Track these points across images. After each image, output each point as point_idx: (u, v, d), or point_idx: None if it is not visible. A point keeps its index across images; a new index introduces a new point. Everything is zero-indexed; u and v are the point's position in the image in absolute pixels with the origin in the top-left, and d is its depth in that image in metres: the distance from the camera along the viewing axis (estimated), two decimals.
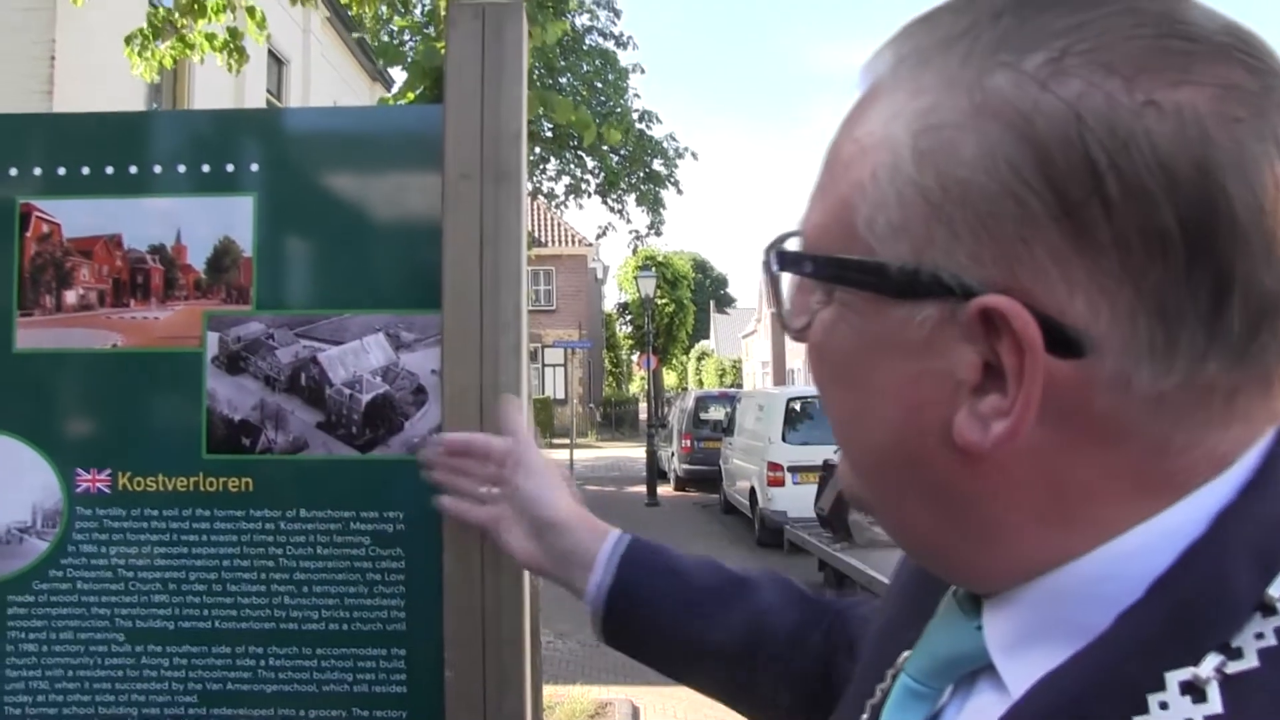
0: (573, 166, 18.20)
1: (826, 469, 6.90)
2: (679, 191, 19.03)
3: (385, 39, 12.28)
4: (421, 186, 1.09)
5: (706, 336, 53.57)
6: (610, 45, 18.32)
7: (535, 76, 14.90)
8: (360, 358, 1.09)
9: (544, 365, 29.81)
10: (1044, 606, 0.43)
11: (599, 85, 17.94)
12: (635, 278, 21.88)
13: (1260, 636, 0.38)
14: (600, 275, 36.54)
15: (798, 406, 10.22)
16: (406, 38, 12.89)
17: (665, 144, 18.41)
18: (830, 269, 0.45)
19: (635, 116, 17.96)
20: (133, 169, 1.11)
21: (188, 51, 5.19)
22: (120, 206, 1.11)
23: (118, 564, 1.08)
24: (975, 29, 0.41)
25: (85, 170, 1.11)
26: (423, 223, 1.08)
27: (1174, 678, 0.38)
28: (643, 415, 26.84)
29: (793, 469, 9.67)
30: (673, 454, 16.50)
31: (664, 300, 32.04)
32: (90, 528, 1.08)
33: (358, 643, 1.07)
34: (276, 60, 11.50)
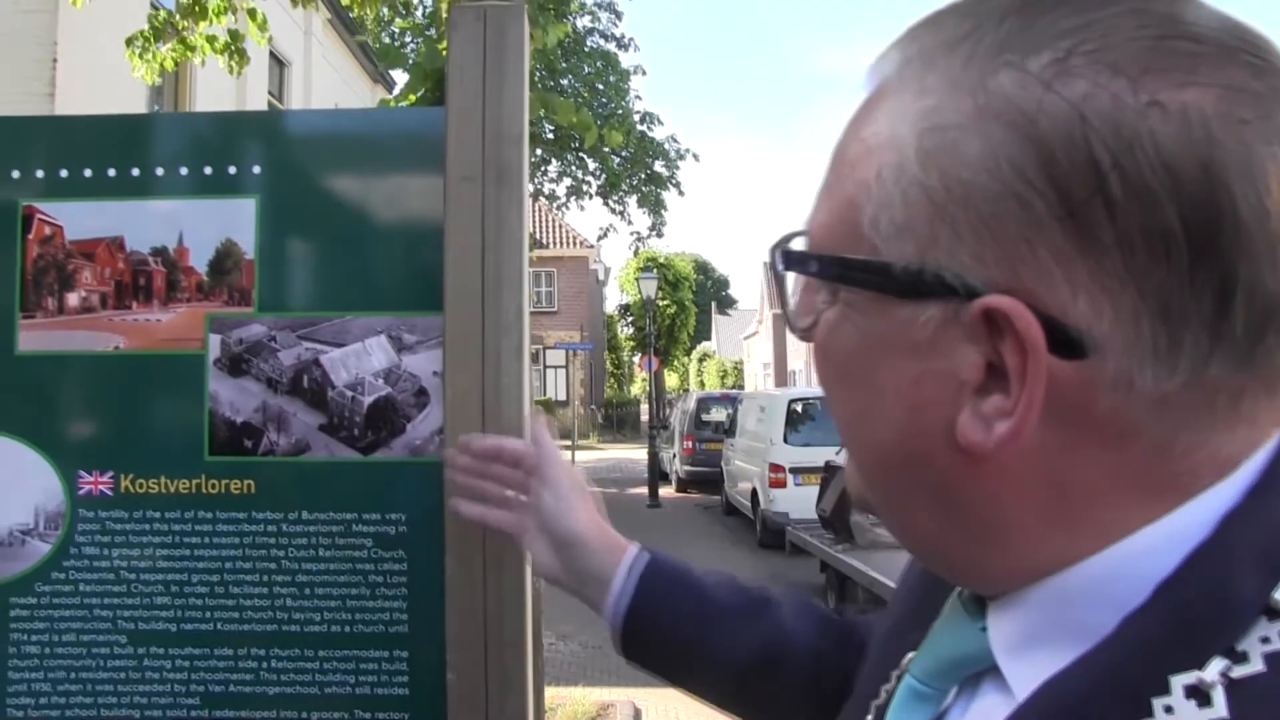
0: (574, 168, 18.21)
1: (828, 470, 6.89)
2: (680, 193, 19.04)
3: (386, 41, 12.31)
4: (423, 188, 1.09)
5: (708, 338, 53.60)
6: (612, 47, 18.33)
7: (537, 78, 14.92)
8: (362, 360, 1.09)
9: (545, 367, 29.81)
10: (1049, 608, 0.43)
11: (600, 87, 17.95)
12: (637, 279, 21.87)
13: (1266, 640, 0.37)
14: (602, 277, 36.52)
15: (799, 408, 10.22)
16: (408, 39, 12.92)
17: (667, 145, 18.42)
18: (835, 268, 0.45)
19: (637, 118, 17.97)
20: (135, 171, 1.12)
21: (189, 53, 5.20)
22: (122, 209, 1.11)
23: (120, 566, 1.08)
24: (980, 30, 0.41)
25: (88, 172, 1.11)
26: (424, 225, 1.08)
27: (1179, 681, 0.37)
28: (644, 417, 26.81)
29: (794, 470, 9.67)
30: (674, 455, 16.51)
31: (665, 302, 32.05)
32: (92, 530, 1.08)
33: (360, 645, 1.07)
34: (278, 62, 11.51)
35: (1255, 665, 0.37)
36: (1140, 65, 0.38)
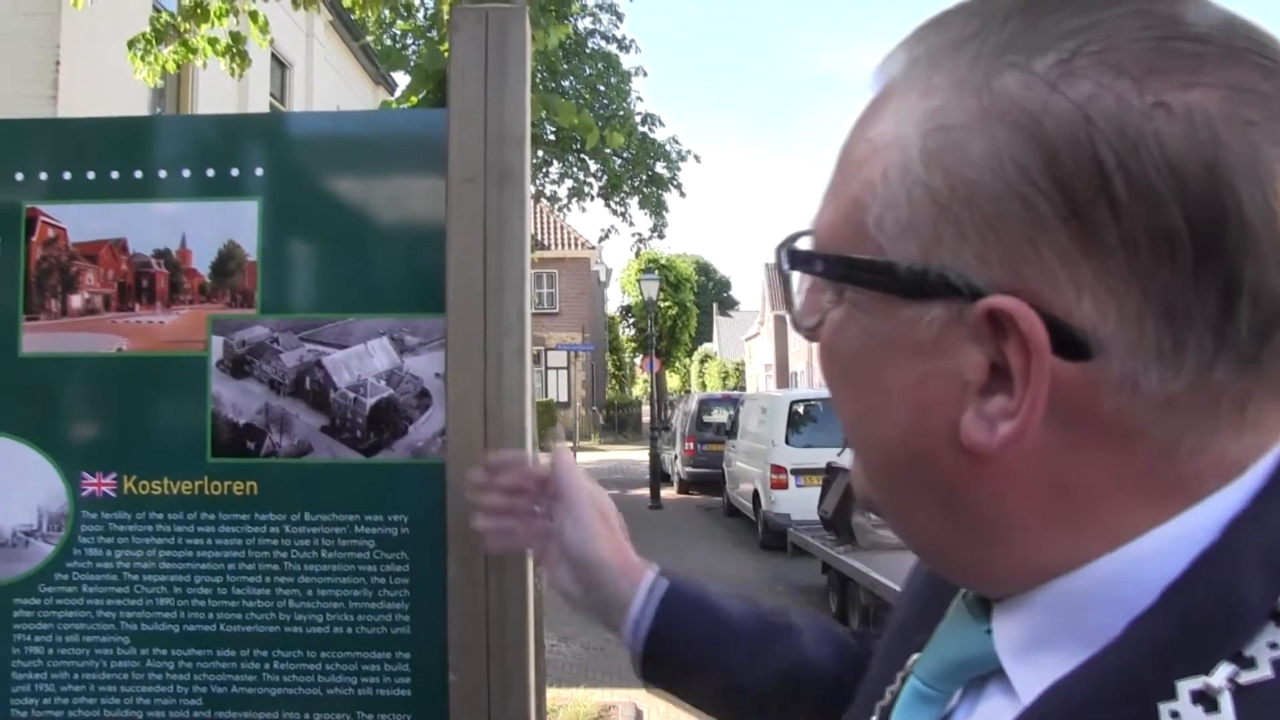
0: (575, 169, 18.22)
1: (830, 472, 6.89)
2: (682, 194, 19.03)
3: (388, 43, 12.32)
4: (425, 190, 1.09)
5: (709, 339, 53.58)
6: (613, 48, 18.34)
7: (538, 79, 14.93)
8: (364, 361, 1.09)
9: (547, 368, 29.82)
10: (1055, 610, 0.42)
11: (602, 88, 17.96)
12: (638, 280, 21.86)
13: (1274, 646, 0.37)
14: (603, 278, 36.54)
15: (801, 409, 10.21)
16: (409, 41, 12.93)
17: (668, 147, 18.41)
18: (840, 268, 0.45)
19: (638, 119, 17.97)
20: (138, 173, 1.12)
21: (191, 56, 5.20)
22: (125, 211, 1.11)
23: (123, 567, 1.08)
24: (985, 31, 0.41)
25: (91, 175, 1.12)
26: (426, 226, 1.08)
27: (1185, 686, 0.37)
28: (646, 418, 26.82)
29: (796, 472, 9.66)
30: (676, 457, 16.50)
31: (667, 303, 32.06)
32: (95, 531, 1.09)
33: (362, 646, 1.07)
34: (280, 64, 11.52)
35: (1263, 671, 0.37)
36: (1144, 66, 0.38)
